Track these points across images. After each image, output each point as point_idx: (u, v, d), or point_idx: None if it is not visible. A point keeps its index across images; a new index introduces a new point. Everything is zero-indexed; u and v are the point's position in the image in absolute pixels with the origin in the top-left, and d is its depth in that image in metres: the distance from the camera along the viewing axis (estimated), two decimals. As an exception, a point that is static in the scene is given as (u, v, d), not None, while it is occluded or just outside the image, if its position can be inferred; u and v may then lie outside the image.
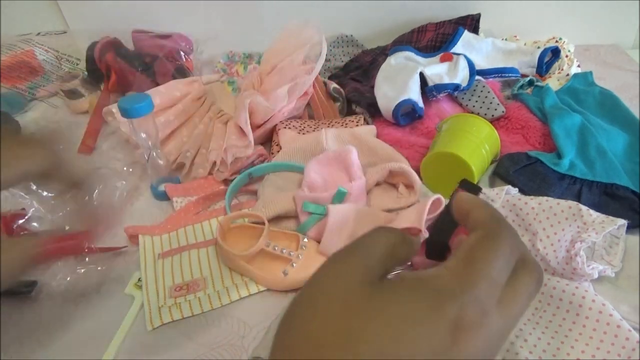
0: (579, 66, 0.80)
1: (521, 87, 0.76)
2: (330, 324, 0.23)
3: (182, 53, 0.85)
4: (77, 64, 0.90)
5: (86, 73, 0.87)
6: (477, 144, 0.59)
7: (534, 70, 0.78)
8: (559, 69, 0.79)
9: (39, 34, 0.90)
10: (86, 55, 0.86)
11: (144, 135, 0.62)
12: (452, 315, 0.23)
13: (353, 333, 0.22)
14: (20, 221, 0.59)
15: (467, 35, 0.83)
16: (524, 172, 0.59)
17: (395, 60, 0.79)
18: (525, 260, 0.27)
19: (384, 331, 0.22)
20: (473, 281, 0.24)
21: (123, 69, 0.82)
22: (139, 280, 0.54)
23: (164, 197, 0.66)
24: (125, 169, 0.71)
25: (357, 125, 0.71)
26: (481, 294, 0.24)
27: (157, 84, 0.78)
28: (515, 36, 0.87)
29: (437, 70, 0.74)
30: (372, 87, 0.75)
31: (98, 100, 0.83)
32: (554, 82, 0.77)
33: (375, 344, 0.22)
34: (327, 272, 0.26)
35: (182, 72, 0.83)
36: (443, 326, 0.23)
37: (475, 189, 0.48)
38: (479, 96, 0.72)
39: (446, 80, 0.72)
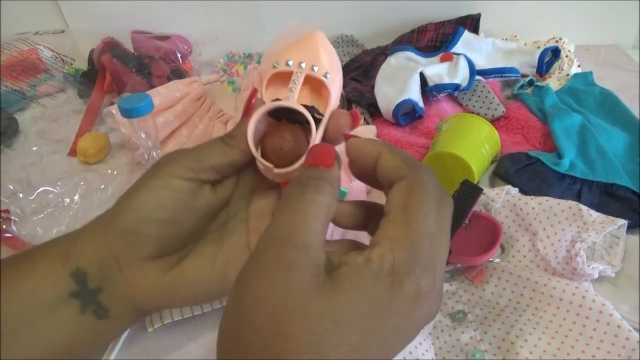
0: (579, 66, 0.80)
1: (521, 87, 0.76)
2: (296, 340, 0.21)
3: (179, 55, 0.85)
4: (72, 64, 0.90)
5: (79, 72, 0.87)
6: (477, 144, 0.59)
7: (534, 70, 0.78)
8: (559, 69, 0.79)
9: (37, 33, 0.90)
10: (89, 56, 0.86)
11: (144, 135, 0.61)
12: (412, 290, 0.23)
13: (319, 345, 0.20)
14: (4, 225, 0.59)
15: (467, 35, 0.82)
16: (524, 172, 0.59)
17: (395, 60, 0.79)
18: (440, 192, 0.26)
19: (351, 330, 0.21)
20: (419, 248, 0.23)
21: (118, 70, 0.82)
22: (139, 280, 0.54)
23: (164, 197, 0.65)
24: (109, 171, 0.71)
25: (357, 125, 0.71)
26: (429, 255, 0.24)
27: (152, 86, 0.78)
28: (515, 36, 0.87)
29: (437, 70, 0.74)
30: (372, 87, 0.75)
31: (89, 101, 0.82)
32: (554, 82, 0.77)
33: (345, 346, 0.21)
34: (266, 285, 0.22)
35: (177, 74, 0.82)
36: (405, 302, 0.23)
37: (476, 190, 0.48)
38: (479, 96, 0.72)
39: (446, 80, 0.72)
